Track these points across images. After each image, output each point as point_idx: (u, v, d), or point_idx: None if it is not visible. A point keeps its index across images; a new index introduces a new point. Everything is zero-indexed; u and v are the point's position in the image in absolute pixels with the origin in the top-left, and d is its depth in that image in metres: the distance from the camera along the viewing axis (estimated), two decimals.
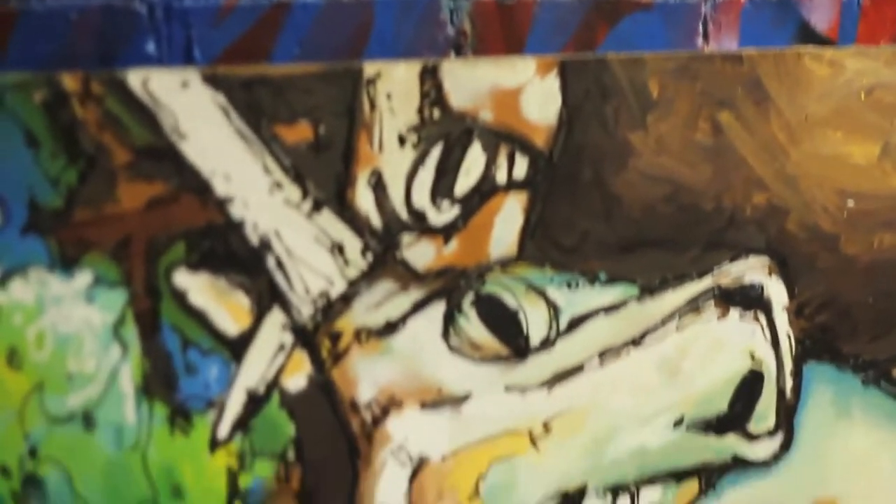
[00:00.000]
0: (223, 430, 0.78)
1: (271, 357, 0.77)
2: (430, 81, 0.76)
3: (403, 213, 0.76)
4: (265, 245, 0.76)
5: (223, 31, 0.79)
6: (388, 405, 0.77)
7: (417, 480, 0.77)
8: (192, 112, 0.71)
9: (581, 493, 0.75)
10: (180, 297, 0.75)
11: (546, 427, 0.75)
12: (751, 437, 0.74)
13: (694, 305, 0.73)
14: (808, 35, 0.80)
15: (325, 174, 0.75)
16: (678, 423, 0.73)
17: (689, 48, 0.80)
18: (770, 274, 0.73)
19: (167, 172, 0.72)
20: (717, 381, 0.74)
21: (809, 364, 0.73)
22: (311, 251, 0.77)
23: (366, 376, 0.77)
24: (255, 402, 0.77)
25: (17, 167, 0.71)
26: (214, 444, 0.77)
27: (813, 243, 0.73)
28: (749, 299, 0.73)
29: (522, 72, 0.76)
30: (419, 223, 0.76)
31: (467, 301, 0.76)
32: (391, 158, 0.77)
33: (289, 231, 0.76)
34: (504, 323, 0.75)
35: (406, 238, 0.78)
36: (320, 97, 0.75)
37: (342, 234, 0.78)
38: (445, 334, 0.76)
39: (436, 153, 0.76)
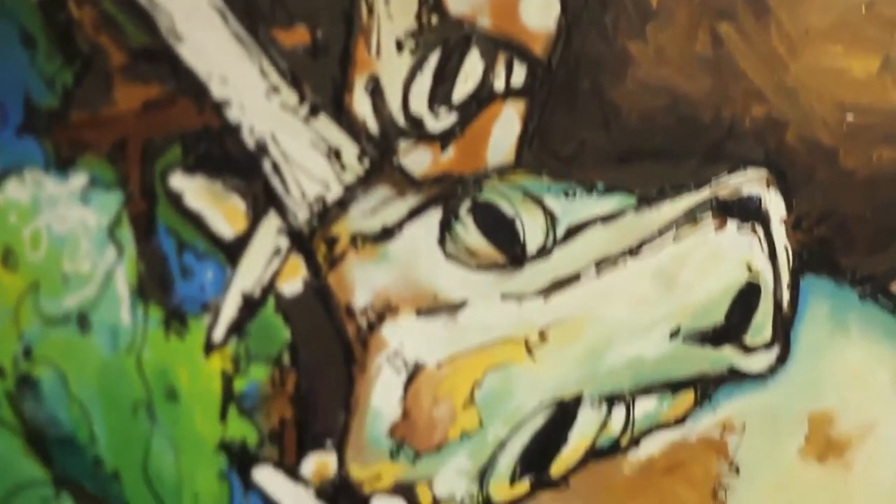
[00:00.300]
0: (218, 333, 0.84)
1: (267, 261, 0.83)
2: None
3: (401, 119, 0.81)
4: (261, 149, 0.81)
5: None
6: (384, 311, 0.82)
7: (413, 386, 0.82)
8: (189, 14, 0.76)
9: (577, 401, 0.80)
10: (176, 200, 0.81)
11: (542, 335, 0.79)
12: (747, 350, 0.77)
13: (691, 216, 0.77)
14: None
15: (323, 79, 0.80)
16: (674, 333, 0.78)
17: None
18: (768, 186, 0.76)
19: (163, 75, 0.77)
20: (714, 292, 0.77)
21: (807, 277, 0.77)
22: (307, 156, 0.81)
23: (361, 282, 0.82)
24: (250, 306, 0.83)
25: (13, 67, 0.77)
26: (209, 348, 0.84)
27: (811, 156, 0.76)
28: (747, 211, 0.77)
29: None
30: (416, 129, 0.81)
31: (464, 208, 0.80)
32: (389, 64, 0.79)
33: (285, 135, 0.81)
34: (501, 230, 0.80)
35: (403, 144, 0.82)
36: (318, 1, 0.80)
37: (339, 139, 0.82)
38: (442, 241, 0.81)
39: (433, 59, 0.79)
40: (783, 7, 0.76)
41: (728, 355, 0.78)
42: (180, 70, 0.77)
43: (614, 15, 0.78)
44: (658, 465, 0.81)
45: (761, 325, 0.78)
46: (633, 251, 0.79)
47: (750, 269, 0.77)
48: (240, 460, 0.87)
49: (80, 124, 0.78)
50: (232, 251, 0.83)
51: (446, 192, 0.81)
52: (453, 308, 0.81)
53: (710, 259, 0.78)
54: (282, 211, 0.82)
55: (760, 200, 0.77)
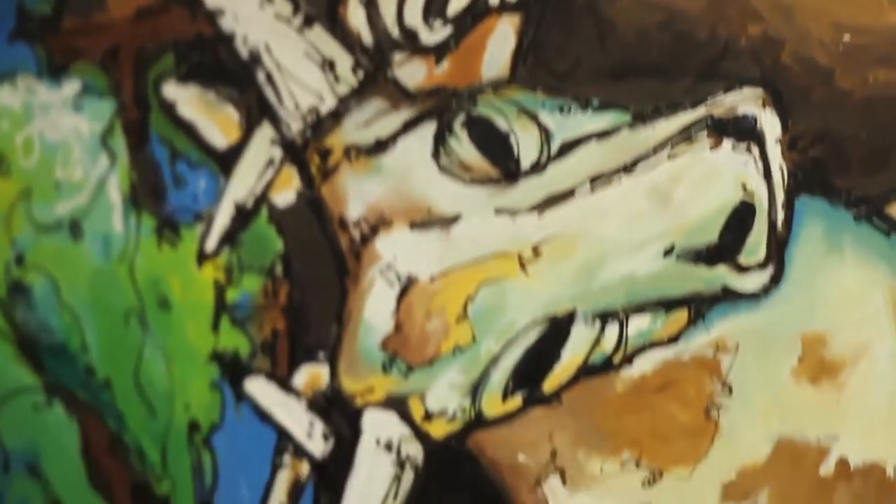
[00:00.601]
0: (211, 243, 0.89)
1: (260, 171, 0.88)
2: None
3: (395, 32, 0.84)
4: (255, 59, 0.83)
5: None
6: (377, 224, 0.86)
7: (405, 300, 0.86)
8: None
9: (570, 318, 0.84)
10: (169, 109, 0.85)
11: (536, 251, 0.83)
12: (741, 269, 0.81)
13: (686, 135, 0.80)
14: None
15: None
16: (668, 251, 0.81)
17: None
18: (764, 106, 0.80)
19: None
20: (709, 211, 0.81)
21: (801, 198, 0.80)
22: (301, 66, 0.85)
23: (355, 194, 0.86)
24: (243, 216, 0.88)
25: None
26: (202, 258, 0.89)
27: (807, 76, 0.79)
28: (742, 130, 0.80)
29: None
30: (411, 42, 0.84)
31: (458, 122, 0.84)
32: None
33: (279, 45, 0.83)
34: (495, 145, 0.83)
35: (397, 57, 0.84)
36: None
37: (333, 50, 0.84)
38: (436, 155, 0.85)
39: None
40: None
41: (722, 274, 0.82)
42: None
43: None
44: (651, 384, 0.85)
45: (755, 244, 0.81)
46: (628, 168, 0.82)
47: (745, 189, 0.81)
48: (232, 371, 0.92)
49: (72, 31, 0.82)
50: (225, 161, 0.87)
51: (441, 106, 0.85)
52: (447, 222, 0.85)
53: (704, 178, 0.81)
54: (275, 121, 0.86)
55: (756, 120, 0.80)
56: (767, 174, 0.81)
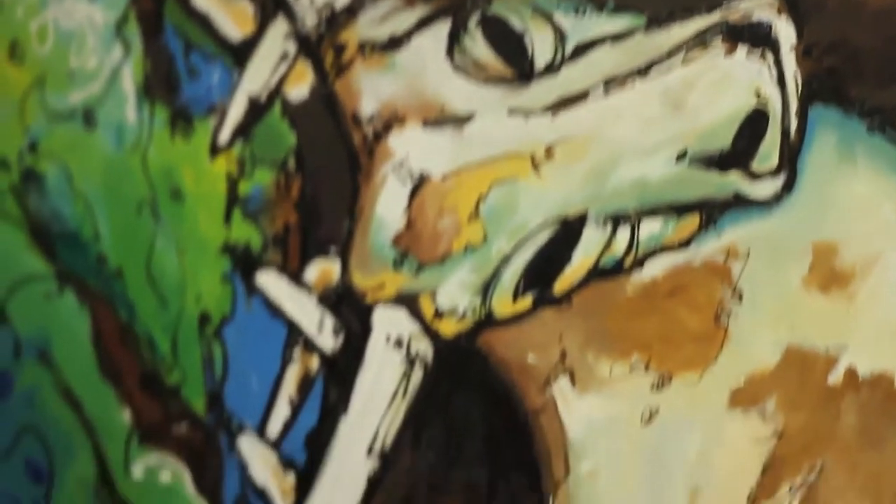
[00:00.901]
0: (224, 135, 0.94)
1: (274, 65, 0.92)
2: None
3: None
4: None
5: None
6: (391, 120, 0.90)
7: (417, 197, 0.90)
8: None
9: (581, 219, 0.87)
10: (183, 0, 0.91)
11: (548, 152, 0.87)
12: (753, 176, 0.84)
13: (701, 39, 0.83)
14: None
15: None
16: (681, 156, 0.85)
17: None
18: (779, 13, 0.82)
19: None
20: (722, 116, 0.84)
21: (815, 107, 0.83)
22: None
23: (368, 90, 0.90)
24: (256, 110, 0.92)
25: None
26: (215, 150, 0.94)
27: None
28: (757, 37, 0.83)
29: None
30: None
31: (473, 20, 0.88)
32: None
33: None
34: (509, 45, 0.87)
35: None
36: None
37: None
38: (450, 53, 0.89)
39: None
40: None
41: (734, 181, 0.85)
42: None
43: None
44: (661, 288, 0.89)
45: (768, 151, 0.85)
46: (642, 72, 0.85)
47: (758, 96, 0.84)
48: (243, 263, 0.97)
49: None
50: (239, 54, 0.91)
51: (455, 4, 0.88)
52: (460, 120, 0.89)
53: (718, 83, 0.85)
54: (290, 15, 0.90)
55: (771, 27, 0.83)
56: (781, 81, 0.84)
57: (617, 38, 0.87)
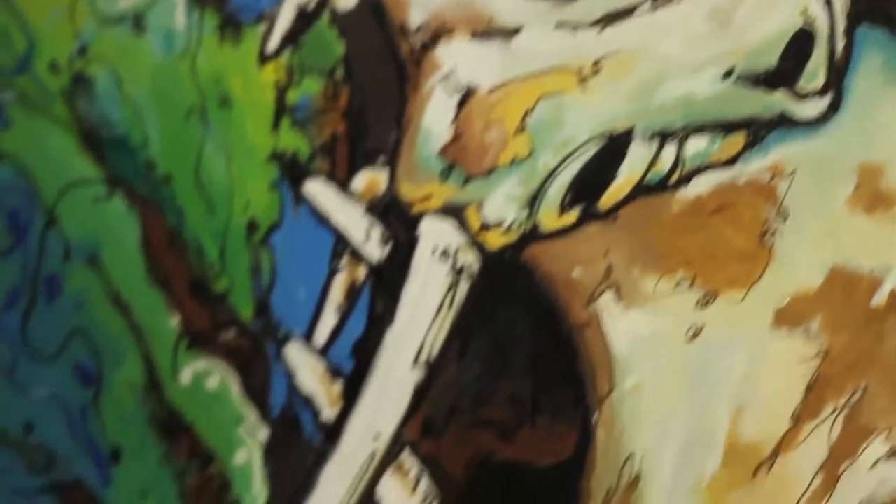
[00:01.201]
0: (273, 43, 0.99)
1: None
2: None
3: None
4: None
5: None
6: (439, 32, 0.94)
7: (465, 109, 0.94)
8: None
9: (627, 135, 0.91)
10: None
11: (595, 67, 0.90)
12: (799, 96, 0.88)
13: None
14: None
15: None
16: (727, 74, 0.88)
17: None
18: None
19: None
20: (769, 35, 0.87)
21: (862, 28, 0.86)
22: None
23: (417, 1, 0.95)
24: (305, 18, 0.96)
25: None
26: (263, 58, 0.99)
27: None
28: None
29: None
30: None
31: None
32: None
33: None
34: None
35: None
36: None
37: None
38: None
39: None
40: None
41: (780, 100, 0.89)
42: None
43: None
44: (707, 205, 0.93)
45: (814, 71, 0.88)
46: None
47: (805, 15, 0.87)
48: (291, 171, 1.02)
49: None
50: None
51: None
52: (508, 33, 0.93)
53: (766, 1, 0.88)
54: None
55: None
56: (828, 1, 0.88)
57: None
